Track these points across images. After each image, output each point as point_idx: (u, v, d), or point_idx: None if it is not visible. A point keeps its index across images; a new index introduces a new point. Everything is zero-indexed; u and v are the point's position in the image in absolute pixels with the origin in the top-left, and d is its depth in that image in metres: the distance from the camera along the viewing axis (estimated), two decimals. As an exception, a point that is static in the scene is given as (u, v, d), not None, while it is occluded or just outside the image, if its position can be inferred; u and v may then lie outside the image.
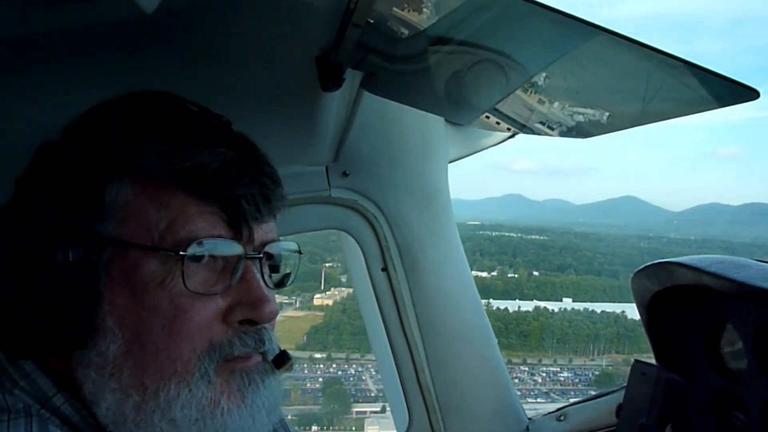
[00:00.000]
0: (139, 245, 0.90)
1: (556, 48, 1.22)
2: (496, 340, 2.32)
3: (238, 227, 0.95)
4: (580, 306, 25.64)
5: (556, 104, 1.51)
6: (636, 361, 1.75)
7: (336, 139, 1.99)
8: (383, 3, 1.09)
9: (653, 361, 1.80)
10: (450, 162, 2.29)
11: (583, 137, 1.65)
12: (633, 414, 1.68)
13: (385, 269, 2.28)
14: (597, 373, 22.60)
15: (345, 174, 2.22)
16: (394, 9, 1.13)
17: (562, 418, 2.20)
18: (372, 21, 1.15)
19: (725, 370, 1.61)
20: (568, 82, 1.41)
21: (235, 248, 0.95)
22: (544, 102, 1.51)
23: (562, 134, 1.65)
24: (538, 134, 1.72)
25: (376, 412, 18.35)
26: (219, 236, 0.93)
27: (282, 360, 1.01)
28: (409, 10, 1.14)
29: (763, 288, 1.37)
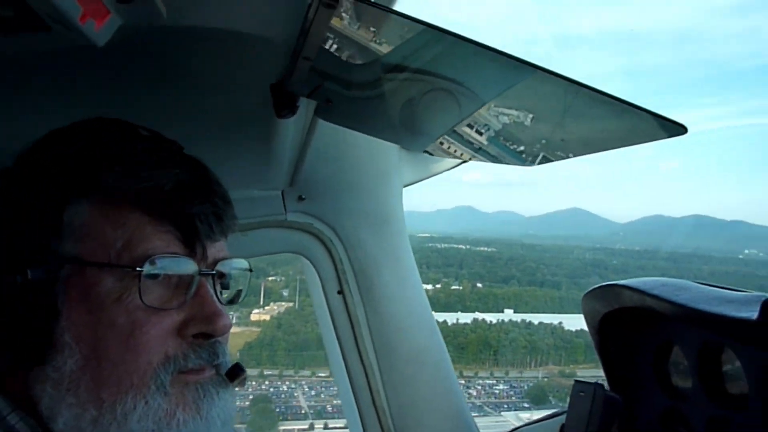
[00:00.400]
0: (97, 263, 0.93)
1: (497, 85, 1.27)
2: (451, 362, 2.35)
3: (192, 245, 0.99)
4: (518, 317, 26.03)
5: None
6: (576, 381, 1.81)
7: (292, 164, 2.00)
8: (332, 39, 1.12)
9: (598, 378, 1.86)
10: (405, 186, 2.33)
11: (530, 165, 1.70)
12: None
13: (341, 292, 2.29)
14: (531, 384, 22.95)
15: (301, 198, 2.24)
16: (345, 43, 1.15)
17: (514, 438, 2.23)
18: (326, 54, 1.16)
19: (672, 389, 1.68)
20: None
21: (189, 265, 0.98)
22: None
23: (511, 162, 1.70)
24: (489, 162, 1.77)
25: (303, 430, 18.24)
26: (174, 254, 0.97)
27: (236, 373, 1.04)
28: (358, 44, 1.16)
29: (701, 310, 1.44)
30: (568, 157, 1.58)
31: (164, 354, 0.94)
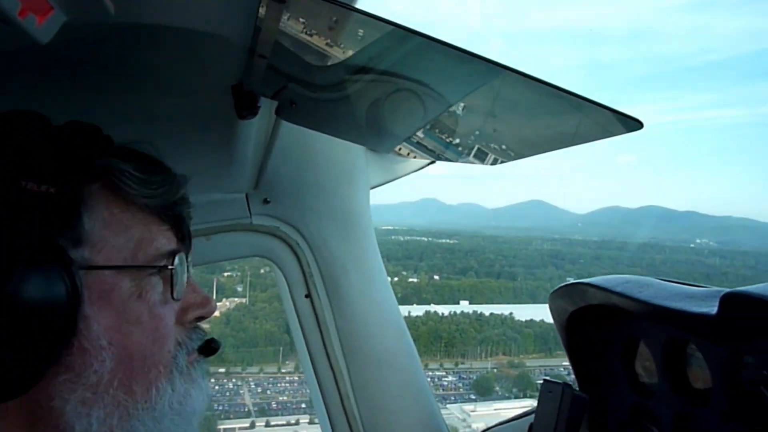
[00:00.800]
0: (116, 266, 0.96)
1: (465, 85, 1.26)
2: (420, 364, 2.34)
3: (184, 240, 1.09)
4: (470, 309, 26.32)
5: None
6: (544, 380, 1.83)
7: (256, 166, 1.96)
8: (285, 35, 1.09)
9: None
10: (372, 188, 2.30)
11: (494, 164, 1.70)
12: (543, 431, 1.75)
13: (308, 295, 2.26)
14: (478, 376, 23.21)
15: (266, 201, 2.20)
16: (298, 39, 1.12)
17: (485, 439, 2.24)
18: (281, 52, 1.14)
19: (640, 386, 1.70)
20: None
21: (185, 259, 1.07)
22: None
23: (476, 161, 1.70)
24: (455, 162, 1.76)
25: (245, 429, 18.12)
26: (175, 250, 1.04)
27: (213, 348, 1.14)
28: (313, 40, 1.14)
29: (663, 306, 1.46)
30: (525, 156, 1.58)
31: (176, 341, 1.04)
